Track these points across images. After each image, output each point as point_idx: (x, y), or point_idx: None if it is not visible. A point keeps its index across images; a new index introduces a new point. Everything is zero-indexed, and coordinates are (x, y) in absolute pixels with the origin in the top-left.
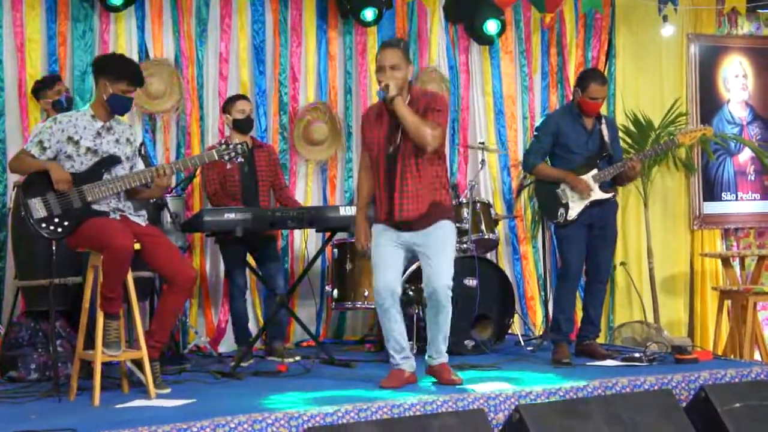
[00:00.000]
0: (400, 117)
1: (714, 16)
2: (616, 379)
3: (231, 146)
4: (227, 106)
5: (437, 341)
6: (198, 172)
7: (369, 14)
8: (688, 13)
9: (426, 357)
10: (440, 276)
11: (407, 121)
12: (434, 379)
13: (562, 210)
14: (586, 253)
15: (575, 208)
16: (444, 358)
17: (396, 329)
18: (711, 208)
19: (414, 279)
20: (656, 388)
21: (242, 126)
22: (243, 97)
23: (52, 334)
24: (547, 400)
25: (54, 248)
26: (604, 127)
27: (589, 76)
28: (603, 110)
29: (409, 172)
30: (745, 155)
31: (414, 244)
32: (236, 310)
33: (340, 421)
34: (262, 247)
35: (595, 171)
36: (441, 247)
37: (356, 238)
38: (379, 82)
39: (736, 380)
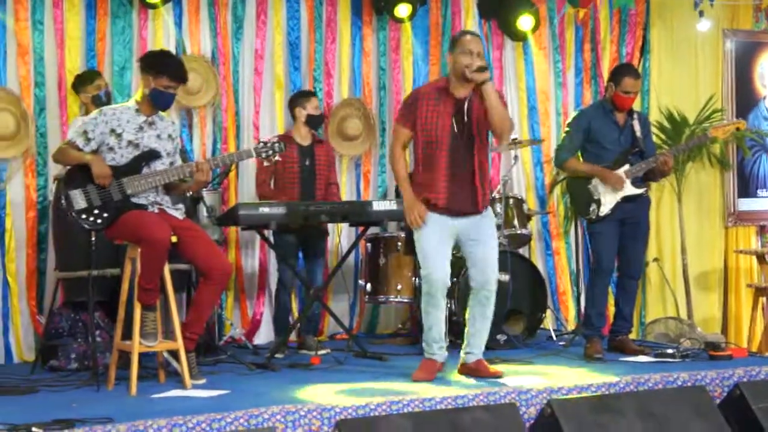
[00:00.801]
0: (491, 102)
1: (751, 11)
2: (649, 375)
3: (269, 144)
4: (300, 100)
5: (482, 335)
6: (233, 167)
7: (403, 10)
8: (724, 8)
9: (464, 353)
10: (494, 266)
11: (496, 107)
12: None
13: (594, 206)
14: (618, 249)
15: (607, 203)
16: (481, 355)
17: (441, 318)
18: (746, 204)
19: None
20: (689, 384)
21: (316, 121)
22: (315, 93)
23: (91, 324)
24: (579, 395)
25: (93, 240)
26: (635, 123)
27: (623, 71)
28: (637, 106)
29: (481, 159)
30: None
31: (463, 230)
32: (282, 303)
33: (372, 414)
34: (313, 242)
35: (627, 166)
36: (492, 239)
37: (412, 214)
38: (464, 66)
39: None
